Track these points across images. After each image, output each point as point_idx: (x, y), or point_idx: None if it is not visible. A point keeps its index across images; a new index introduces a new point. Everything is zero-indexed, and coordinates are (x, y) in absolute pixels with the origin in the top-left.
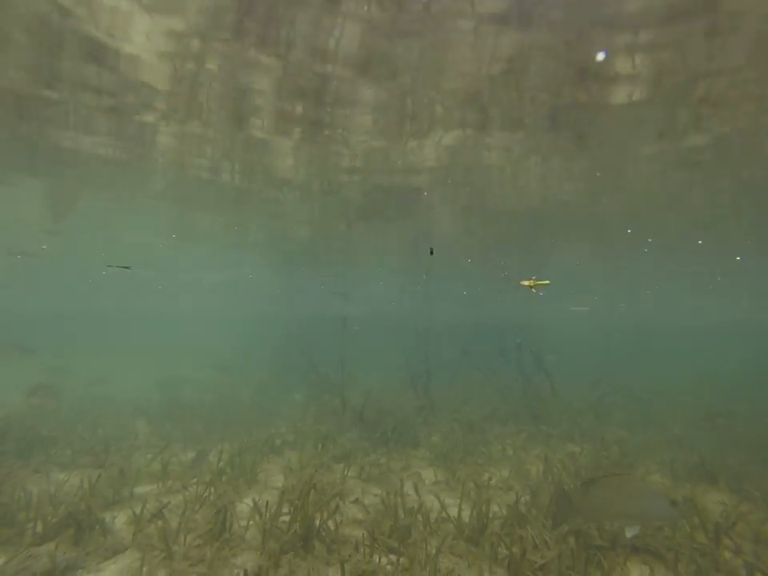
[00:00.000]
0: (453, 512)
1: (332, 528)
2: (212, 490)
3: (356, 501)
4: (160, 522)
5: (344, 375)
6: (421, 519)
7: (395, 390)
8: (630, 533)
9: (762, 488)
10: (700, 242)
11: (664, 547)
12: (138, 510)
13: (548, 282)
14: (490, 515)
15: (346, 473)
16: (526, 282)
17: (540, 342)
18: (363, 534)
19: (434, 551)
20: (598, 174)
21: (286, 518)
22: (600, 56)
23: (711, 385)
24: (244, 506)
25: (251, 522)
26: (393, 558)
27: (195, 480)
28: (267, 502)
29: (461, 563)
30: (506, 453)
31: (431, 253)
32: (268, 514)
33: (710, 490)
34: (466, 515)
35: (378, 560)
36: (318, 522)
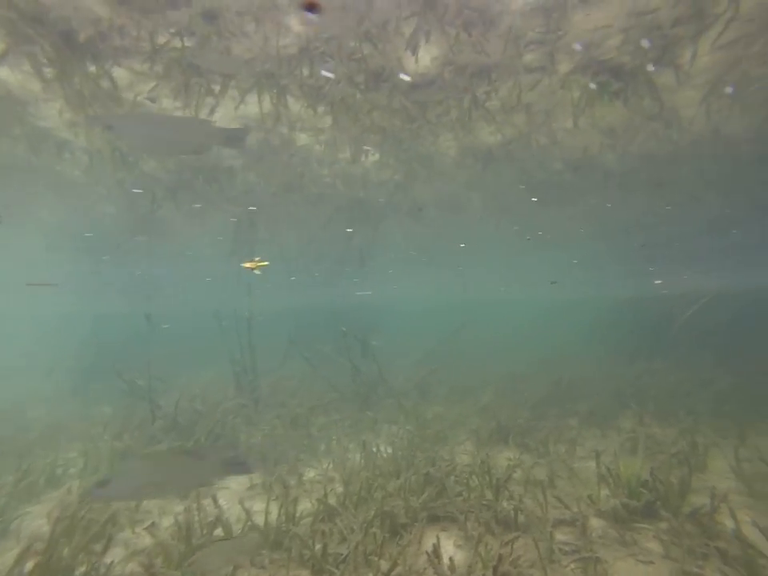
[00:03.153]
0: (261, 519)
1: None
2: None
3: (152, 525)
4: None
5: (151, 379)
6: (223, 534)
7: (217, 389)
8: None
9: (536, 438)
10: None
11: (458, 510)
12: None
13: (267, 263)
14: (303, 513)
15: None
16: (247, 264)
17: (370, 326)
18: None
19: (231, 569)
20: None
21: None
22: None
23: (521, 354)
24: None
25: None
26: None
27: None
28: None
29: (262, 574)
30: (330, 444)
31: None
32: None
33: (504, 449)
34: (275, 519)
35: None
36: (82, 571)
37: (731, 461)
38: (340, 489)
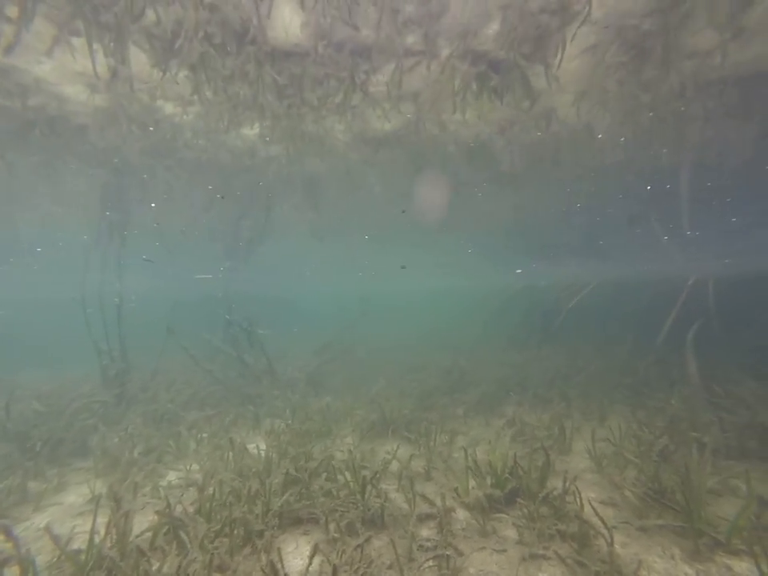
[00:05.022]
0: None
1: None
2: None
3: None
4: None
5: None
6: (18, 574)
7: (77, 386)
8: None
9: (419, 429)
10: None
11: (322, 511)
12: None
13: None
14: (148, 526)
15: None
16: None
17: (264, 317)
18: None
19: None
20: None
21: None
22: None
23: (419, 343)
24: None
25: None
26: None
27: None
28: None
29: None
30: (201, 443)
31: None
32: None
33: (386, 442)
34: (108, 540)
35: None
36: None
37: (588, 443)
38: (190, 495)
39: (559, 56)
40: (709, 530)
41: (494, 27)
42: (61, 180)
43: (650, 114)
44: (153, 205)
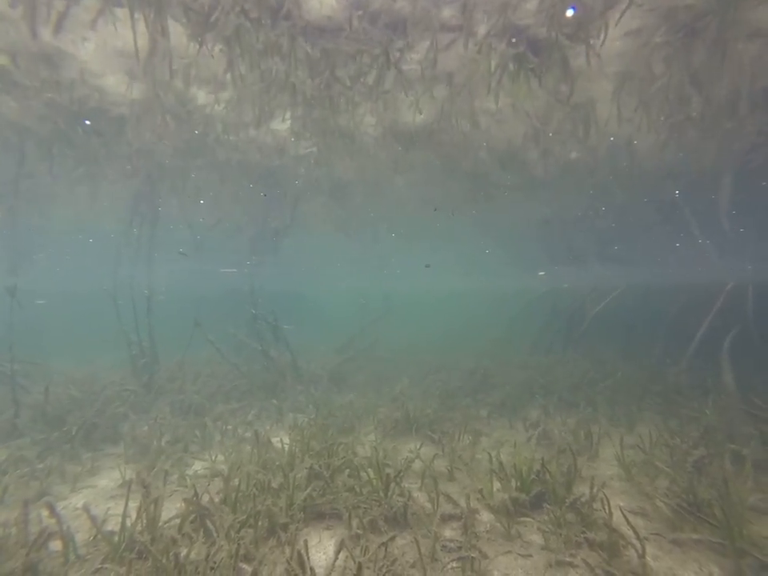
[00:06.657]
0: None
1: None
2: None
3: None
4: None
5: (14, 363)
6: (60, 548)
7: (109, 374)
8: None
9: (443, 429)
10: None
11: (345, 507)
12: None
13: None
14: (175, 514)
15: None
16: None
17: (290, 312)
18: None
19: None
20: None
21: None
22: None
23: (443, 343)
24: None
25: None
26: None
27: None
28: None
29: None
30: (226, 434)
31: None
32: None
33: (409, 440)
34: (139, 524)
35: None
36: None
37: (617, 449)
38: (215, 484)
39: (602, 37)
40: (753, 550)
41: (533, 2)
42: (98, 189)
43: (699, 113)
44: (201, 201)
